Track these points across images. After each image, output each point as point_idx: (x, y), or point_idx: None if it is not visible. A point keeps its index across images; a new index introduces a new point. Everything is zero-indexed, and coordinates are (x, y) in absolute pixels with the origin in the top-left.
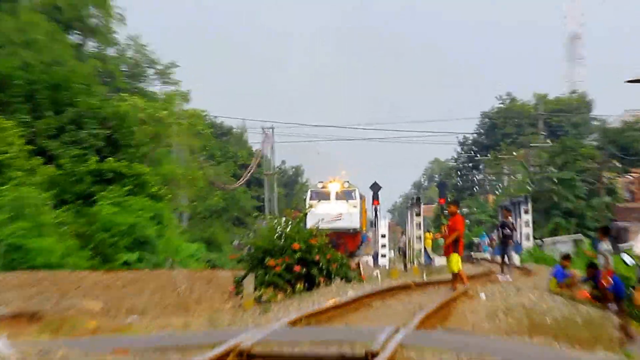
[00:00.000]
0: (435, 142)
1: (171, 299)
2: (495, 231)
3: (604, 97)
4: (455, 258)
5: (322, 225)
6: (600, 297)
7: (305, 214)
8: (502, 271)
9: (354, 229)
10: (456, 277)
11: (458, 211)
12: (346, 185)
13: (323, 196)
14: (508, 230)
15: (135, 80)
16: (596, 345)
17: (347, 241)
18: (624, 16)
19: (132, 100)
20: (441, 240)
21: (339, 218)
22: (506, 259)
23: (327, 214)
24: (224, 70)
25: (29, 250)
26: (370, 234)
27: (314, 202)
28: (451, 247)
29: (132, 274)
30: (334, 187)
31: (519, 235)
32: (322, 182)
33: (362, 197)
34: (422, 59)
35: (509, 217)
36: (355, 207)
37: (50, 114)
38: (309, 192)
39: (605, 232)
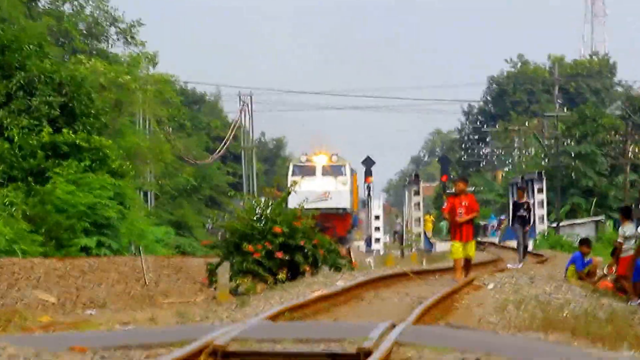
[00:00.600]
0: (436, 110)
1: (135, 290)
2: (510, 213)
3: (629, 60)
4: (474, 245)
5: (307, 206)
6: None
7: (289, 193)
8: (519, 259)
9: (344, 210)
10: (470, 264)
11: (467, 189)
12: (334, 158)
13: (307, 171)
14: (523, 212)
15: (94, 41)
16: (621, 343)
17: (336, 224)
18: None
19: (90, 63)
20: (443, 224)
21: (326, 197)
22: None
23: (313, 192)
24: (195, 30)
25: None
26: (362, 216)
27: (297, 178)
28: (472, 231)
29: (91, 261)
30: (320, 161)
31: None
32: (306, 154)
33: (353, 173)
34: (421, 18)
35: (523, 197)
36: (345, 184)
37: None
38: (291, 167)
39: (627, 213)
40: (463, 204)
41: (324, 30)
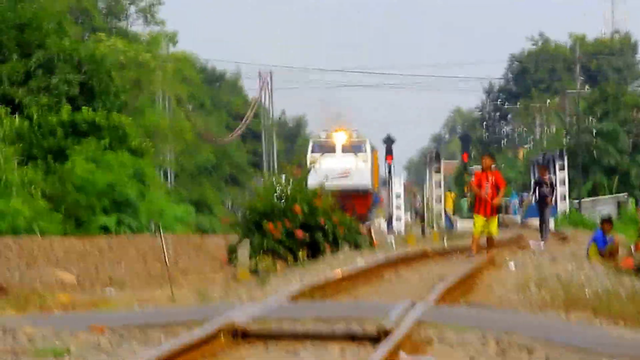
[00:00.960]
0: (457, 88)
1: (154, 269)
2: (532, 191)
3: None
4: (497, 221)
5: (327, 184)
6: None
7: (308, 171)
8: (542, 237)
9: (364, 188)
10: (492, 242)
11: (493, 165)
12: (355, 135)
13: (327, 149)
14: (546, 189)
15: (114, 19)
16: None
17: (356, 202)
18: None
19: (110, 41)
20: (464, 201)
21: (346, 175)
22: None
23: (332, 170)
24: (216, 6)
25: None
26: (383, 194)
27: (316, 155)
28: (496, 207)
29: (110, 240)
30: (339, 138)
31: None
32: (325, 131)
33: (373, 150)
34: None
35: (546, 174)
36: (365, 161)
37: (16, 57)
38: (310, 144)
39: None
40: (489, 179)
41: (342, 6)
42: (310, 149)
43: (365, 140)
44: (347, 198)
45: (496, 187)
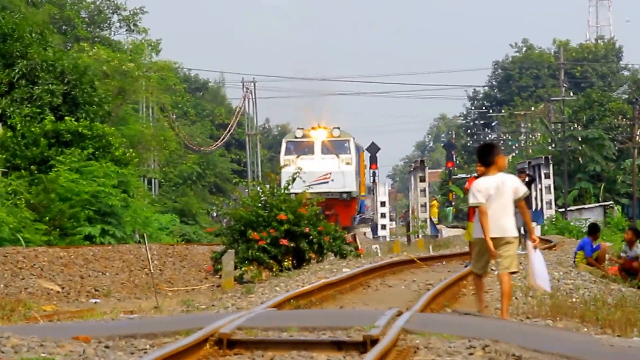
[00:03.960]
0: (441, 96)
1: (139, 279)
2: None
3: (636, 44)
4: None
5: (305, 189)
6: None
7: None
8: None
9: (349, 194)
10: None
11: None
12: (336, 132)
13: (304, 149)
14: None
15: (97, 29)
16: (631, 328)
17: (340, 210)
18: None
19: (93, 51)
20: (449, 210)
21: (327, 179)
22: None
23: (311, 173)
24: (199, 15)
25: None
26: (368, 202)
27: (291, 157)
28: None
29: (95, 250)
30: (318, 136)
31: (539, 202)
32: (301, 129)
33: (358, 150)
34: (425, 3)
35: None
36: (349, 163)
37: None
38: (283, 145)
39: None
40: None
41: (328, 15)
42: (283, 150)
43: (349, 138)
44: (329, 205)
45: None
